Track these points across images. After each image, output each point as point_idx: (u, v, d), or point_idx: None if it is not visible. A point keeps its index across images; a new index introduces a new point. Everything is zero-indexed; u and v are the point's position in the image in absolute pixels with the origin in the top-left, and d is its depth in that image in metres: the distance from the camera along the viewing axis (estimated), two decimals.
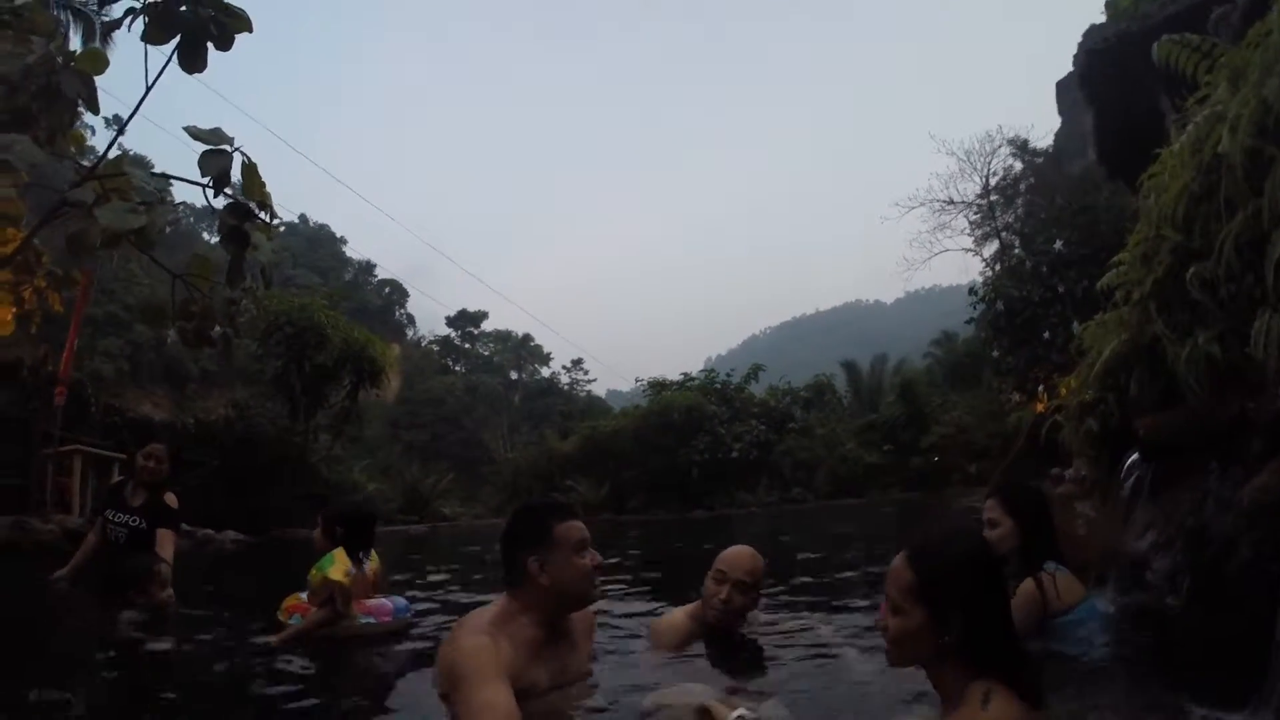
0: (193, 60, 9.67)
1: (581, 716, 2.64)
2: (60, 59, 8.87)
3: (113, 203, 9.03)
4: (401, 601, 4.67)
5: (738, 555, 3.41)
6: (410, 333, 71.93)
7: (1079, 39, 12.92)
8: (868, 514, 19.36)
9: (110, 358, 34.66)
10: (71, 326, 13.61)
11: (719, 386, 32.85)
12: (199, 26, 9.20)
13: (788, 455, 29.52)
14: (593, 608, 3.08)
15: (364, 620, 4.32)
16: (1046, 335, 17.29)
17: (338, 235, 71.09)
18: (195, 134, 9.70)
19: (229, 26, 9.60)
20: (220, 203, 9.95)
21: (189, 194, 70.19)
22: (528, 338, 70.59)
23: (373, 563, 4.72)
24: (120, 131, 13.30)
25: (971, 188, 34.45)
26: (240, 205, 10.11)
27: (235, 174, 9.67)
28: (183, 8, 9.01)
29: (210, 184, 9.75)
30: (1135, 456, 3.83)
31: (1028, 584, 3.13)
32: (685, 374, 34.96)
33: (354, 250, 71.62)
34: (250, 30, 9.92)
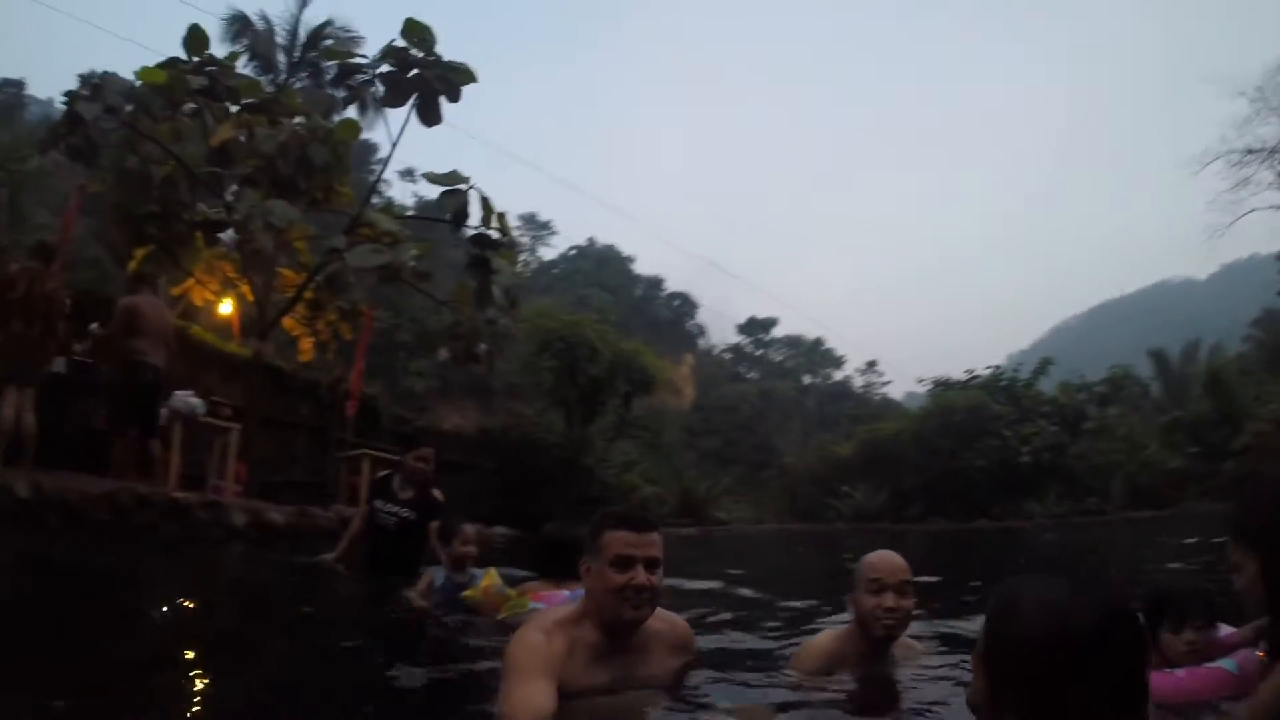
0: (428, 115, 10.95)
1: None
2: (314, 132, 10.35)
3: (358, 246, 10.39)
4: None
5: (889, 559, 3.15)
6: (702, 342, 73.52)
7: None
8: (1175, 530, 17.15)
9: (422, 376, 38.65)
10: (358, 349, 15.34)
11: (1005, 384, 30.79)
12: (426, 87, 10.39)
13: (1082, 460, 26.96)
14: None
15: (533, 607, 4.32)
16: None
17: (625, 254, 73.87)
18: (433, 178, 10.95)
19: (454, 80, 10.78)
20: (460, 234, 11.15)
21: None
22: (819, 342, 69.83)
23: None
24: (373, 188, 15.01)
25: (1272, 131, 29.23)
26: (482, 236, 11.26)
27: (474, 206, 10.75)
28: (410, 74, 10.25)
29: (451, 219, 11.02)
30: None
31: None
32: (969, 371, 32.97)
33: (642, 267, 74.18)
34: (474, 81, 11.06)
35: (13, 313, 7.77)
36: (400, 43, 10.04)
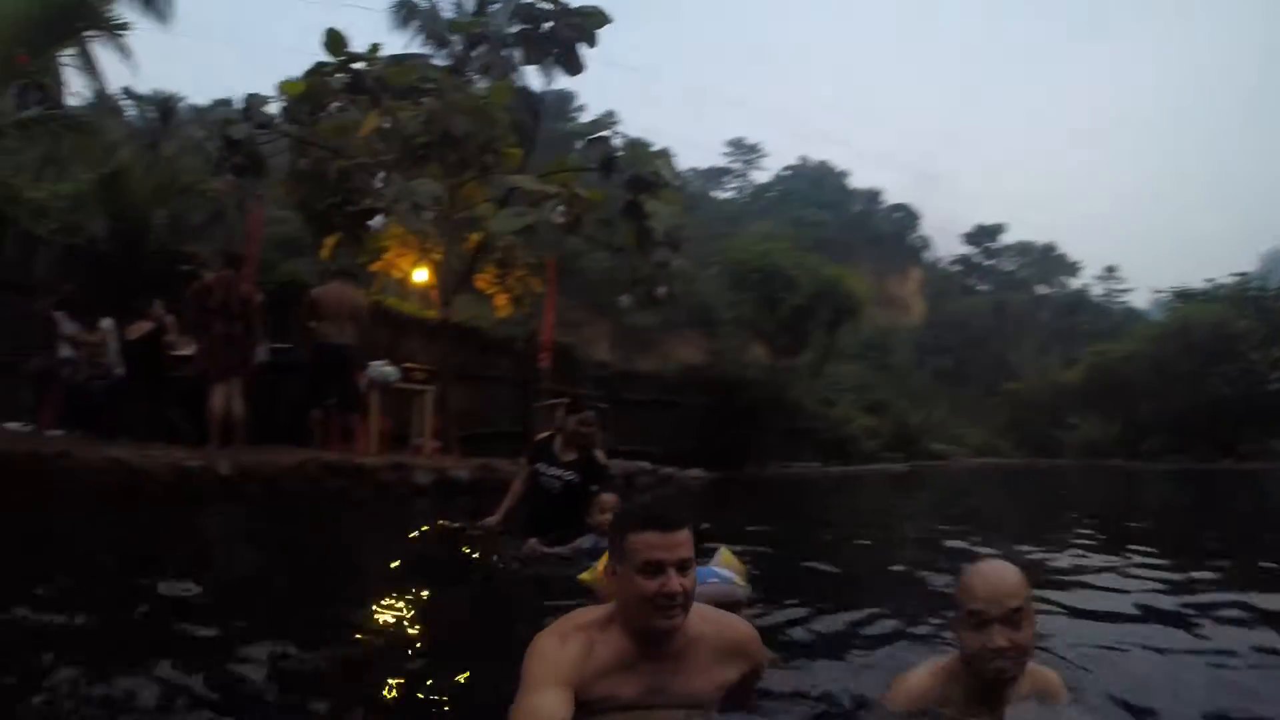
0: (570, 64, 11.27)
1: None
2: (452, 105, 10.83)
3: (500, 211, 10.86)
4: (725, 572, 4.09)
5: (993, 580, 2.37)
6: (927, 255, 70.67)
7: None
8: None
9: (646, 313, 39.77)
10: (547, 301, 15.97)
11: (1253, 294, 26.82)
12: (560, 38, 10.66)
13: None
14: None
15: None
16: None
17: (839, 170, 71.43)
18: (575, 131, 11.25)
19: (587, 26, 11.00)
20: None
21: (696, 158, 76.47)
22: (1050, 248, 65.56)
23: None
24: (530, 150, 15.42)
25: None
26: (637, 179, 11.47)
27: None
28: (543, 27, 10.54)
29: (599, 167, 11.32)
30: None
31: None
32: (1210, 280, 29.12)
33: (859, 180, 71.62)
34: (608, 21, 11.34)
35: (214, 317, 8.88)
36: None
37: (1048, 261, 65.52)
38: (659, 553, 2.34)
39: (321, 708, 2.93)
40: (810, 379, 25.10)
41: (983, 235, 67.71)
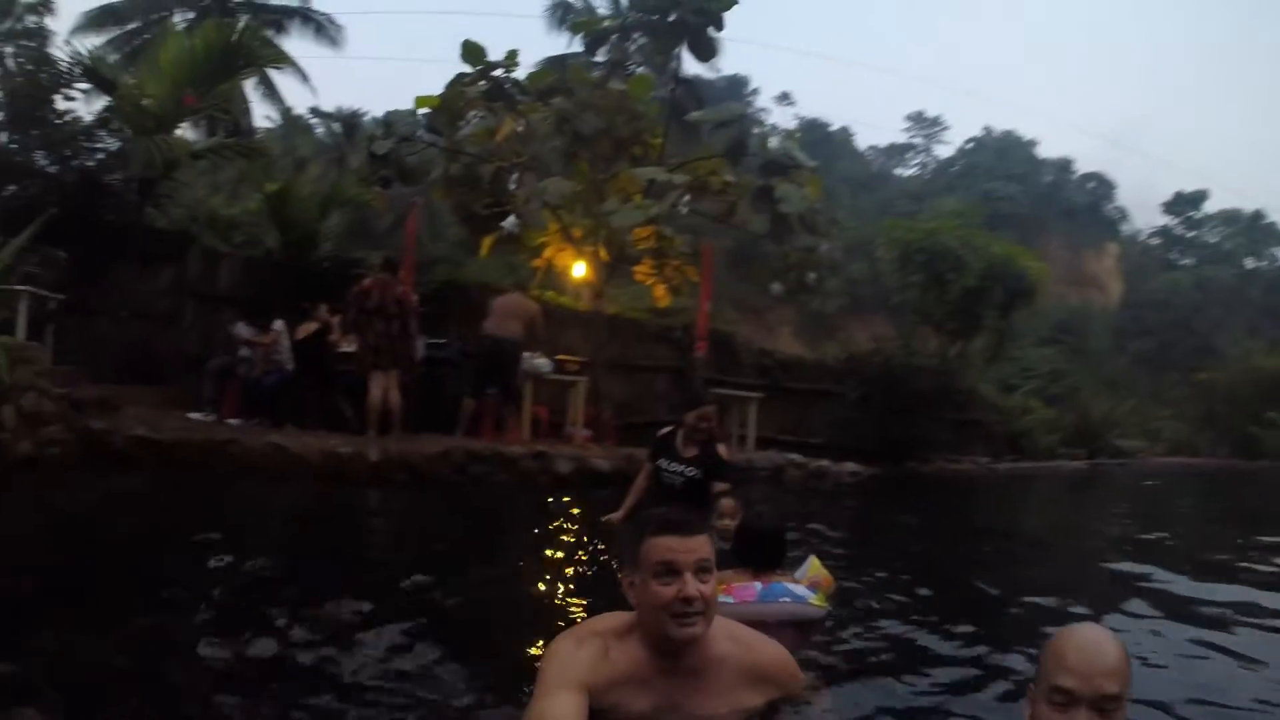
0: (700, 51, 11.34)
1: None
2: (580, 105, 11.10)
3: (623, 206, 11.10)
4: (800, 590, 4.00)
5: (1088, 657, 1.89)
6: (1125, 228, 65.82)
7: None
8: None
9: (832, 295, 38.76)
10: (703, 289, 16.04)
11: None
12: (685, 26, 10.73)
13: None
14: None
15: (722, 600, 3.77)
16: None
17: (1026, 139, 66.82)
18: (701, 118, 11.30)
19: (713, 10, 10.98)
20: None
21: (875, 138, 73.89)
22: (1259, 215, 59.22)
23: (812, 569, 4.40)
24: (693, 138, 15.37)
25: None
26: (771, 164, 11.39)
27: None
28: (670, 18, 10.64)
29: (725, 154, 11.32)
30: None
31: None
32: None
33: (1047, 149, 66.93)
34: (735, 3, 11.09)
35: (372, 316, 9.65)
36: None
37: (1256, 231, 59.19)
38: (674, 554, 2.29)
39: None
40: (985, 366, 23.83)
41: (1183, 204, 62.00)
